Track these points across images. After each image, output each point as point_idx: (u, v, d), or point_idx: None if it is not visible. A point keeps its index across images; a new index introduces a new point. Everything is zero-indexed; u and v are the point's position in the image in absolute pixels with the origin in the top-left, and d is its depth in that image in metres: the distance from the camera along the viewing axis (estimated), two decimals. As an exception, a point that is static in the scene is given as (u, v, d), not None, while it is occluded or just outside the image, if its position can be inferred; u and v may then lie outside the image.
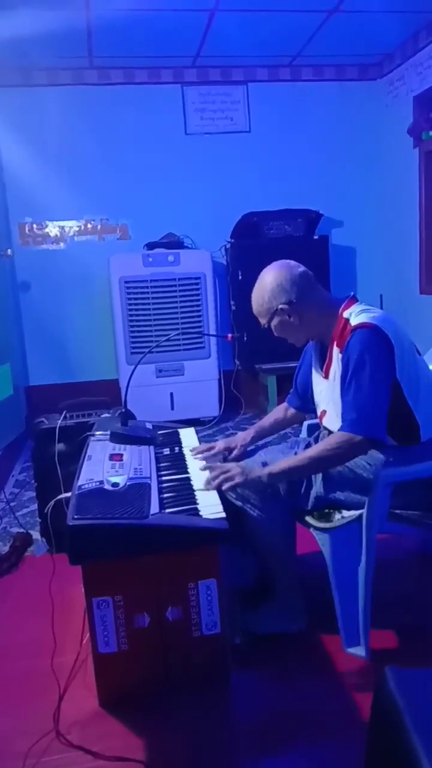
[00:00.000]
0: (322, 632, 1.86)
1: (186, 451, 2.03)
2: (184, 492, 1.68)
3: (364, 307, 1.74)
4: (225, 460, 1.97)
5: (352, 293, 1.81)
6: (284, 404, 2.15)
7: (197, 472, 1.81)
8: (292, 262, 1.82)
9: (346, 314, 1.72)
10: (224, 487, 1.69)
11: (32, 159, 4.46)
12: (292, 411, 2.12)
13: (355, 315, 1.69)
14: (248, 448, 2.04)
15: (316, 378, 1.90)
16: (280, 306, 1.75)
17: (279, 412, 2.16)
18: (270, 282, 1.77)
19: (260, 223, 4.49)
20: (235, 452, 2.01)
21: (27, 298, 4.65)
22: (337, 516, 1.76)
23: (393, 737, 0.90)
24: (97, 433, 2.10)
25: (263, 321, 1.81)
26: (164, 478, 1.79)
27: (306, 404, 2.04)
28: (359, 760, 1.10)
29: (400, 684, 0.96)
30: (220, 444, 2.04)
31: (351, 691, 1.65)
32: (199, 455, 1.97)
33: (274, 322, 1.79)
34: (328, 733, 1.52)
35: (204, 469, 1.81)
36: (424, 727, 0.87)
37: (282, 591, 1.86)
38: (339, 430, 1.67)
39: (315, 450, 1.71)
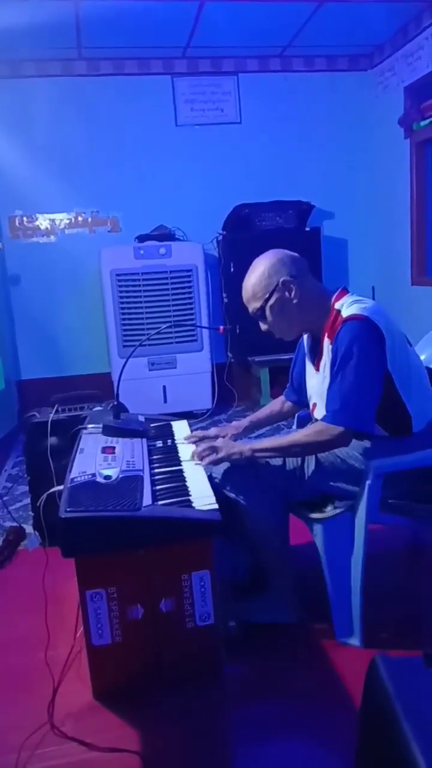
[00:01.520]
0: (315, 622, 1.87)
1: (179, 443, 2.03)
2: (177, 484, 1.68)
3: (355, 298, 1.73)
4: None
5: (343, 285, 1.81)
6: (281, 397, 2.16)
7: (190, 465, 1.81)
8: (284, 250, 1.81)
9: (337, 306, 1.72)
10: (206, 460, 1.72)
11: (22, 151, 4.42)
12: (288, 404, 2.13)
13: (347, 306, 1.69)
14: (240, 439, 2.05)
15: (309, 371, 1.90)
16: (282, 279, 1.71)
17: (275, 405, 2.17)
18: (265, 264, 1.75)
19: (252, 214, 4.47)
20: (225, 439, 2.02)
21: (17, 292, 4.63)
22: (330, 507, 1.77)
23: (383, 723, 0.91)
24: (90, 426, 2.09)
25: (257, 304, 1.75)
26: (157, 470, 1.79)
27: (302, 398, 2.04)
28: (352, 748, 1.11)
29: (390, 671, 0.97)
30: (212, 431, 2.05)
31: (344, 680, 1.66)
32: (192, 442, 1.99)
33: (272, 301, 1.73)
34: (321, 722, 1.53)
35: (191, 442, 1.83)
36: (413, 713, 0.88)
37: (275, 582, 1.87)
38: (321, 419, 1.67)
39: (298, 435, 1.73)
